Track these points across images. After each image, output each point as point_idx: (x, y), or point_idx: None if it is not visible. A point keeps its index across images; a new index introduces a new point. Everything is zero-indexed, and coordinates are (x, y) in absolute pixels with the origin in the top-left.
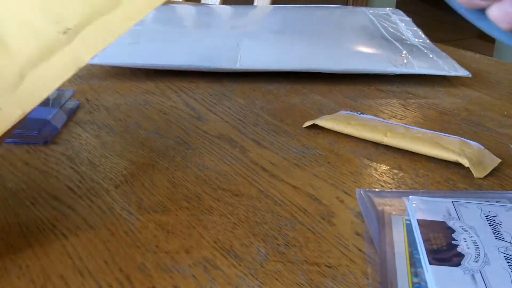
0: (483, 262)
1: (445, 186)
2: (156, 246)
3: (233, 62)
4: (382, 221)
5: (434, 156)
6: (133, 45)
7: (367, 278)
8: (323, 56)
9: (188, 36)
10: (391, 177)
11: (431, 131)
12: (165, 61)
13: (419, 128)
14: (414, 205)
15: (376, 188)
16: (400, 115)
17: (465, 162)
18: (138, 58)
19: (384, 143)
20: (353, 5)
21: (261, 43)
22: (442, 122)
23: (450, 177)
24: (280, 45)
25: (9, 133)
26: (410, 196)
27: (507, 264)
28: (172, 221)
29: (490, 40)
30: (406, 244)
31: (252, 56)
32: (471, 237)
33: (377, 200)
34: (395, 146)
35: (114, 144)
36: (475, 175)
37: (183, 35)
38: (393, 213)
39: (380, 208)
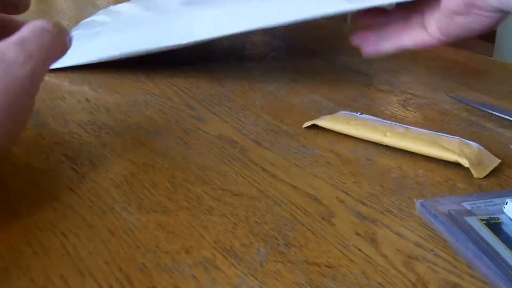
0: None
1: (445, 186)
2: (156, 246)
3: (189, 35)
4: (465, 228)
5: (434, 156)
6: (91, 37)
7: (367, 278)
8: (276, 9)
9: (137, 21)
10: (391, 177)
11: (431, 131)
12: (122, 50)
13: (419, 128)
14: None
15: (375, 188)
16: (400, 115)
17: (465, 163)
18: (95, 53)
19: (384, 143)
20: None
21: (215, 9)
22: (442, 122)
23: (450, 177)
24: (234, 7)
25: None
26: (508, 200)
27: None
28: (172, 221)
29: (490, 40)
30: (503, 244)
31: (209, 23)
32: None
33: (440, 209)
34: (395, 146)
35: (114, 144)
36: (474, 175)
37: (134, 20)
38: (462, 216)
39: (448, 214)
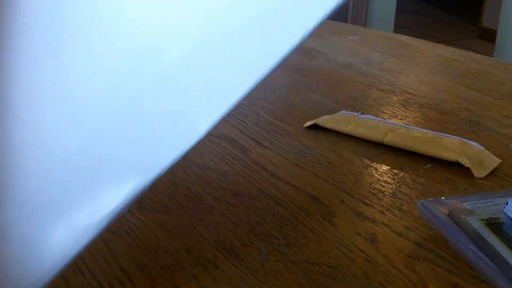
0: None
1: (445, 186)
2: (157, 245)
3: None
4: (466, 227)
5: (435, 156)
6: None
7: (368, 278)
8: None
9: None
10: (392, 177)
11: (432, 131)
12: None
13: (419, 128)
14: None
15: (376, 188)
16: (401, 115)
17: (465, 162)
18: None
19: (385, 143)
20: (353, 5)
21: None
22: (442, 122)
23: (450, 177)
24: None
25: None
26: (508, 200)
27: None
28: (173, 220)
29: (490, 40)
30: (504, 244)
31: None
32: None
33: (441, 209)
34: (396, 146)
35: None
36: (475, 175)
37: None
38: (463, 216)
39: (449, 214)
